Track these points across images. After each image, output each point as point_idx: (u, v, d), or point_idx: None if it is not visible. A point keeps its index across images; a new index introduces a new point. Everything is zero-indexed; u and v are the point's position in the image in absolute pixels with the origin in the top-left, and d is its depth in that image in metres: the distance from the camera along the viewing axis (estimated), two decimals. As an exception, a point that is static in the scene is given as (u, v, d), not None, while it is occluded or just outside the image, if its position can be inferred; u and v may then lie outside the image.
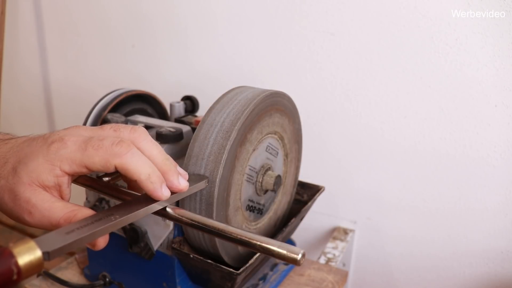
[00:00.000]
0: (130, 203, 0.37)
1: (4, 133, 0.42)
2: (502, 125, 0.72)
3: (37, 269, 0.28)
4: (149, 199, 0.38)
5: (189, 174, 0.50)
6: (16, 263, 0.26)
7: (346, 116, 0.85)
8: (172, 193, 0.39)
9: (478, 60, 0.71)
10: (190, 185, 0.46)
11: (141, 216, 0.37)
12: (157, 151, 0.38)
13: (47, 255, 0.28)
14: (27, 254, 0.27)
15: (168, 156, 0.39)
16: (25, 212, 0.34)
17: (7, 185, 0.34)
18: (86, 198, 0.64)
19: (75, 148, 0.34)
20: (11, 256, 0.26)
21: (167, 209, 0.40)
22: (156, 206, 0.39)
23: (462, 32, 0.71)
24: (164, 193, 0.37)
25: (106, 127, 0.39)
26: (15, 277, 0.26)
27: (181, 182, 0.39)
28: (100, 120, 0.66)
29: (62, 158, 0.34)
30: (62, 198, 0.36)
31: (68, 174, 0.35)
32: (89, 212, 0.35)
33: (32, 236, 1.25)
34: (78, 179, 0.41)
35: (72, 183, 0.40)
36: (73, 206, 0.35)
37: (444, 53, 0.73)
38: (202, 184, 0.47)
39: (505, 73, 0.70)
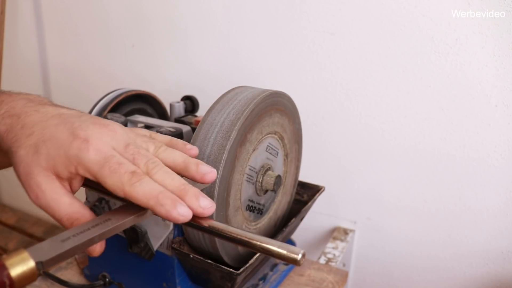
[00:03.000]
0: (128, 206, 0.37)
1: (37, 95, 0.42)
2: (502, 125, 0.72)
3: (31, 280, 0.28)
4: None
5: None
6: (8, 275, 0.26)
7: (346, 116, 0.85)
8: (196, 216, 0.35)
9: (478, 60, 0.71)
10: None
11: (139, 220, 0.36)
12: (170, 179, 0.36)
13: (41, 265, 0.28)
14: (20, 265, 0.27)
15: (185, 182, 0.37)
16: (32, 193, 0.35)
17: (26, 159, 0.35)
18: (86, 198, 0.64)
19: (94, 160, 0.35)
20: (4, 268, 0.26)
21: None
22: None
23: (462, 32, 0.71)
24: (180, 212, 0.33)
25: (138, 135, 0.39)
26: None
27: (202, 203, 0.35)
28: (100, 120, 0.65)
29: (80, 162, 0.35)
30: (71, 189, 0.37)
31: (81, 176, 0.36)
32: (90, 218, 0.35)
33: (32, 237, 1.23)
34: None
35: None
36: (78, 207, 0.35)
37: (444, 53, 0.73)
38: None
39: (505, 73, 0.69)
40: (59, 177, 0.35)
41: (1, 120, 0.38)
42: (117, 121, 0.63)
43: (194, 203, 0.35)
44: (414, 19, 0.74)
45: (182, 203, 0.34)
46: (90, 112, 0.66)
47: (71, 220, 0.35)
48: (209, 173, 0.38)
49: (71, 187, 0.37)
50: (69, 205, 0.35)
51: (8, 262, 0.27)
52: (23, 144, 0.36)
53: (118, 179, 0.34)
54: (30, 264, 0.27)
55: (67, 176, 0.35)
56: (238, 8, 0.89)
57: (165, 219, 0.35)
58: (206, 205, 0.35)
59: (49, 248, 0.29)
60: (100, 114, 0.66)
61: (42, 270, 0.28)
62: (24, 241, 1.29)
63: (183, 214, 0.33)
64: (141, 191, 0.34)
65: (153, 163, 0.37)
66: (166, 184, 0.36)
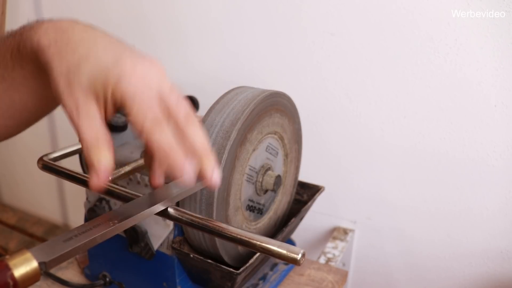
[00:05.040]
0: (129, 206, 0.37)
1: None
2: (501, 125, 0.72)
3: (34, 280, 0.28)
4: (149, 201, 0.38)
5: None
6: (12, 276, 0.27)
7: (346, 116, 0.85)
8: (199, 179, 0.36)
9: (478, 60, 0.71)
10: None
11: (141, 219, 0.36)
12: (201, 136, 0.36)
13: (44, 265, 0.28)
14: (23, 266, 0.27)
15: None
16: (68, 108, 0.34)
17: (67, 75, 0.34)
18: (87, 198, 0.64)
19: (132, 89, 0.33)
20: (7, 269, 0.27)
21: (168, 209, 0.40)
22: (157, 208, 0.38)
23: (462, 32, 0.71)
24: (188, 170, 0.34)
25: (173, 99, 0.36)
26: None
27: (215, 174, 0.36)
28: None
29: (118, 86, 0.33)
30: (105, 113, 0.35)
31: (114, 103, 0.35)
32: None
33: (32, 237, 1.23)
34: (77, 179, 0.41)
35: (72, 183, 0.40)
36: (102, 131, 0.34)
37: (444, 53, 0.73)
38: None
39: (505, 73, 0.70)
40: (97, 98, 0.34)
41: (44, 33, 0.35)
42: (117, 121, 0.63)
43: (209, 169, 0.35)
44: (413, 19, 0.74)
45: (189, 164, 0.34)
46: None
47: (91, 141, 0.34)
48: (216, 180, 0.37)
49: (105, 111, 0.35)
50: (96, 129, 0.34)
51: (12, 263, 0.27)
52: (66, 58, 0.34)
53: (142, 117, 0.33)
54: (33, 264, 0.28)
55: (103, 99, 0.34)
56: (238, 8, 0.90)
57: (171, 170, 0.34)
58: (216, 179, 0.36)
59: (52, 248, 0.29)
60: (100, 114, 0.66)
61: (45, 270, 0.28)
62: (24, 241, 1.29)
63: (189, 172, 0.34)
64: (158, 137, 0.33)
65: (192, 115, 0.36)
66: (196, 140, 0.35)
